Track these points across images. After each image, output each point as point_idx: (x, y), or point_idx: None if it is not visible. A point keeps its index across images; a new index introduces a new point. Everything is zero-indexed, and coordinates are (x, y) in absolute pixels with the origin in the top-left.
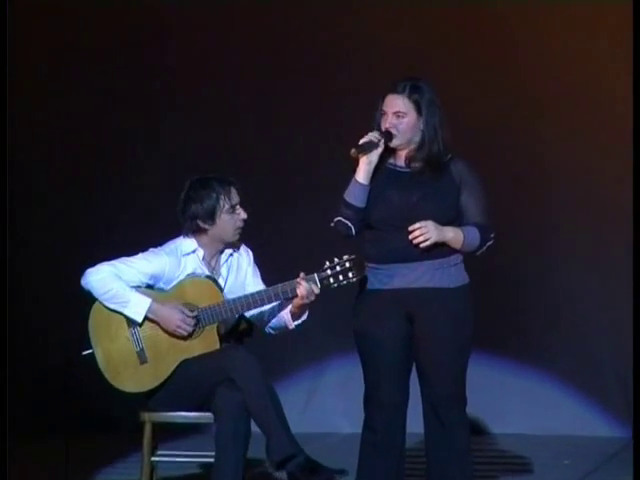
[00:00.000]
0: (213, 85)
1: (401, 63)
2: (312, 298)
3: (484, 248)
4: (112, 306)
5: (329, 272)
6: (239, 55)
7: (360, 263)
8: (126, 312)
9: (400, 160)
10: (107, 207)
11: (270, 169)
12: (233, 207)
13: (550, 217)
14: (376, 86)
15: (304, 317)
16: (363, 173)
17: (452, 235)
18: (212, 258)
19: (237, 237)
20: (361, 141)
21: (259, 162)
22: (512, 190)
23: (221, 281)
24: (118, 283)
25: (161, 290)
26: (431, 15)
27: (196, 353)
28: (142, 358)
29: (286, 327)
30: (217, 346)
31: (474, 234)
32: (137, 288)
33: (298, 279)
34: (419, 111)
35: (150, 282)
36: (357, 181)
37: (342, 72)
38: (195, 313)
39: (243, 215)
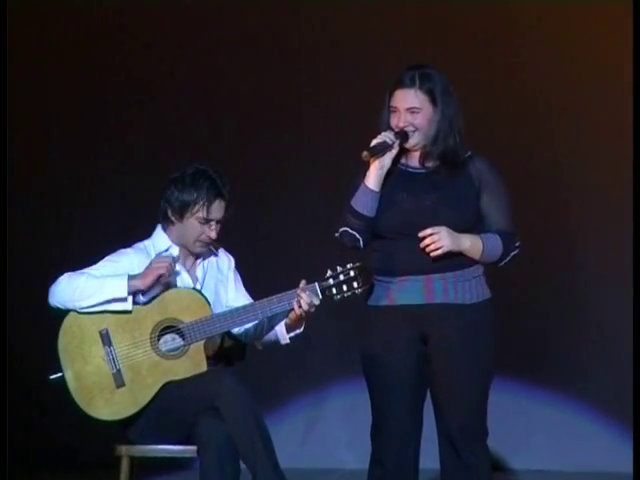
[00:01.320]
0: (214, 86)
1: (401, 62)
2: (311, 310)
3: (508, 258)
4: (86, 303)
5: (332, 281)
6: (238, 56)
7: (366, 271)
8: (108, 295)
9: (413, 160)
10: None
11: (269, 167)
12: (207, 220)
13: (575, 226)
14: (377, 86)
15: (299, 330)
16: (374, 178)
17: (469, 243)
18: (186, 259)
19: (198, 250)
20: (373, 142)
21: (257, 161)
22: (530, 198)
23: (197, 286)
24: (82, 276)
25: (137, 304)
26: (434, 13)
27: (180, 375)
28: (119, 381)
29: (277, 341)
30: (204, 367)
31: (495, 242)
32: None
33: (298, 289)
34: (434, 102)
35: None
36: (367, 187)
37: (339, 72)
38: (174, 334)
39: (213, 234)
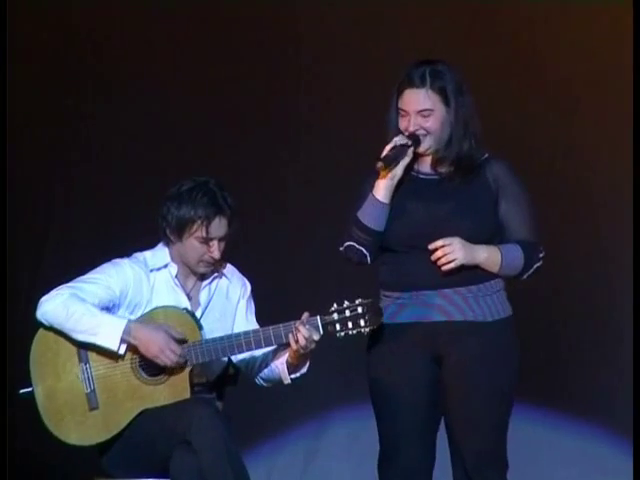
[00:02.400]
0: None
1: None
2: (311, 347)
3: (531, 271)
4: (80, 337)
5: (336, 317)
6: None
7: (376, 310)
8: (99, 341)
9: (425, 165)
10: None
11: (270, 179)
12: (207, 239)
13: (606, 234)
14: (388, 90)
15: (303, 370)
16: (384, 190)
17: (485, 255)
18: (187, 278)
19: (203, 270)
20: (386, 150)
21: (258, 169)
22: (550, 205)
23: (198, 312)
24: (82, 305)
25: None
26: (448, 13)
27: (161, 402)
28: (92, 403)
29: (280, 381)
30: (186, 394)
31: (516, 254)
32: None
33: (296, 322)
34: (446, 102)
35: (116, 302)
36: (376, 199)
37: (346, 74)
38: (182, 337)
39: (215, 254)
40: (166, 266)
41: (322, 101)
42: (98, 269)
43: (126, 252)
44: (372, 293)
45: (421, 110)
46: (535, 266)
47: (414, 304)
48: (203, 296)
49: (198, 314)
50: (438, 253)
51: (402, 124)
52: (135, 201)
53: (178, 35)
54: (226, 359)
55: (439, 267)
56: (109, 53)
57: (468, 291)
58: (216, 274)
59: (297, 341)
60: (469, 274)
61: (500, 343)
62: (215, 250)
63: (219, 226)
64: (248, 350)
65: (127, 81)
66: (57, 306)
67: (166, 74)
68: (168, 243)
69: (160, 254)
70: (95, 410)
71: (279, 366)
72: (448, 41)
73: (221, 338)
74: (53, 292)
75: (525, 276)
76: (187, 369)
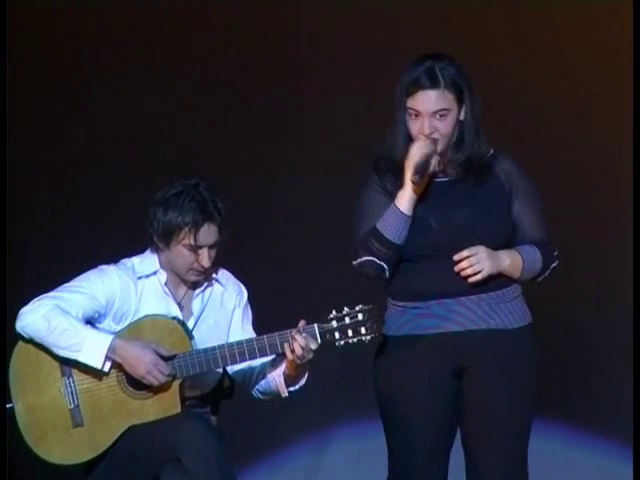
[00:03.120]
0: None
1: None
2: (308, 356)
3: (547, 272)
4: (62, 352)
5: (334, 324)
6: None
7: (378, 317)
8: (82, 358)
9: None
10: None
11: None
12: (195, 247)
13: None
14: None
15: (301, 382)
16: (409, 202)
17: (509, 262)
18: (178, 287)
19: (193, 279)
20: (415, 159)
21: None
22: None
23: (190, 322)
24: (65, 319)
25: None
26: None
27: (150, 417)
28: (76, 419)
29: (278, 394)
30: (177, 409)
31: (534, 256)
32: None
33: (292, 330)
34: (460, 100)
35: (101, 312)
36: (400, 211)
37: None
38: (171, 354)
39: (205, 262)
40: (155, 273)
41: (323, 101)
42: (83, 276)
43: (114, 258)
44: (376, 300)
45: (437, 111)
46: (552, 266)
47: (432, 314)
48: (196, 305)
49: (190, 324)
50: (463, 264)
51: (414, 126)
52: (124, 204)
53: (172, 32)
54: (220, 370)
55: (464, 278)
56: (96, 51)
57: (489, 298)
58: (209, 281)
59: (293, 351)
60: (488, 280)
61: (523, 352)
62: (204, 258)
63: (208, 233)
64: (242, 361)
65: (119, 81)
66: (38, 319)
67: (161, 72)
68: (156, 249)
69: (148, 261)
70: (79, 427)
71: (276, 378)
72: (464, 39)
73: (212, 348)
74: (34, 302)
75: (541, 278)
76: (177, 382)
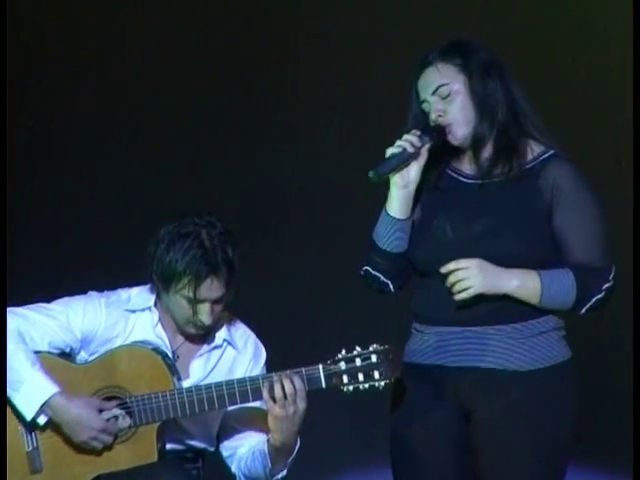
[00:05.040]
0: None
1: None
2: (293, 408)
3: (589, 305)
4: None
5: (343, 366)
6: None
7: (394, 359)
8: (17, 401)
9: (464, 163)
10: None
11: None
12: (195, 301)
13: None
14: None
15: (289, 456)
16: (397, 202)
17: (516, 283)
18: (176, 333)
19: (193, 332)
20: (388, 152)
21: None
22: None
23: (186, 383)
24: (16, 347)
25: (72, 362)
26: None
27: (121, 466)
28: (34, 464)
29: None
30: (153, 457)
31: (564, 282)
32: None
33: (282, 373)
34: (467, 74)
35: (74, 346)
36: (388, 215)
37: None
38: (121, 411)
39: (204, 319)
40: (149, 309)
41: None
42: (64, 300)
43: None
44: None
45: (436, 89)
46: (595, 298)
47: (440, 342)
48: (196, 368)
49: (187, 383)
50: (451, 279)
51: (431, 116)
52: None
53: (172, 33)
54: (216, 420)
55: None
56: (81, 49)
57: (502, 331)
58: (219, 341)
59: (273, 397)
60: (509, 307)
61: (547, 395)
62: (204, 315)
63: (211, 288)
64: (220, 407)
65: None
66: None
67: (160, 75)
68: (156, 289)
69: (145, 295)
70: (37, 473)
71: (260, 448)
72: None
73: (198, 387)
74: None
75: (583, 310)
76: (154, 426)
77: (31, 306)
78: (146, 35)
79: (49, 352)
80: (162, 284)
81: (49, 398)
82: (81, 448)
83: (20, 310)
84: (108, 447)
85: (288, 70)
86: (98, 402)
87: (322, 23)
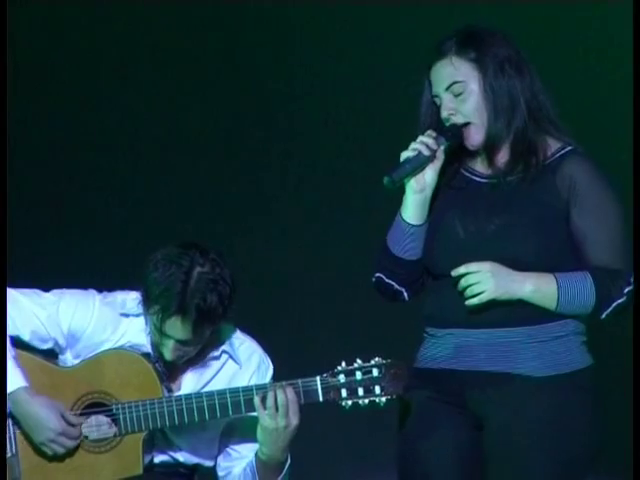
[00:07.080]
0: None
1: None
2: (285, 421)
3: (610, 309)
4: None
5: (342, 379)
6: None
7: (397, 374)
8: None
9: (478, 162)
10: None
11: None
12: (160, 332)
13: None
14: None
15: (279, 473)
16: (413, 207)
17: (531, 288)
18: None
19: (168, 358)
20: (402, 155)
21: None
22: None
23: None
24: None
25: (57, 364)
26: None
27: (102, 477)
28: (13, 472)
29: None
30: (138, 469)
31: (582, 285)
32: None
33: (275, 384)
34: (483, 70)
35: (59, 342)
36: (403, 220)
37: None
38: (80, 421)
39: (167, 354)
40: (143, 315)
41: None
42: (61, 292)
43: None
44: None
45: (449, 86)
46: (616, 302)
47: (448, 345)
48: (188, 382)
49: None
50: (462, 283)
51: (442, 113)
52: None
53: (172, 33)
54: (215, 433)
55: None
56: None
57: (523, 333)
58: (217, 353)
59: (264, 406)
60: (525, 309)
61: (564, 403)
62: (167, 351)
63: (175, 328)
64: (211, 417)
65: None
66: None
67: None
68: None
69: (135, 300)
70: None
71: (251, 463)
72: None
73: (188, 396)
74: None
75: (604, 315)
76: (140, 435)
77: (26, 290)
78: (143, 35)
79: (31, 344)
80: (143, 303)
81: (13, 391)
82: (57, 457)
83: (14, 293)
84: (92, 457)
85: (283, 70)
86: (62, 407)
87: (316, 23)
